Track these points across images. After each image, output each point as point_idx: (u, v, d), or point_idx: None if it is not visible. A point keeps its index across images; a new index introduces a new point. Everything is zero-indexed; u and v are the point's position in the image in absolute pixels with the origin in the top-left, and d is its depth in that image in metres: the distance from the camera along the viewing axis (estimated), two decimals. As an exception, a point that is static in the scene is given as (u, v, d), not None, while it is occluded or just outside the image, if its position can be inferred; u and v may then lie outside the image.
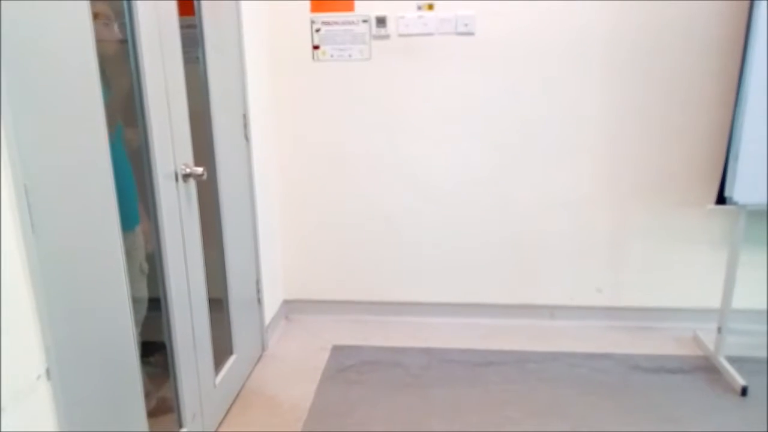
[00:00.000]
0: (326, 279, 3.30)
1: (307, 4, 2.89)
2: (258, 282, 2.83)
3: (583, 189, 3.04)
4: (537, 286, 3.20)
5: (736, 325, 2.88)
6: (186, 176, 1.98)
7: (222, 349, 2.46)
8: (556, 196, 3.06)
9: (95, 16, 1.91)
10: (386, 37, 2.89)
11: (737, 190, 2.50)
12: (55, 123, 1.32)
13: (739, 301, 2.93)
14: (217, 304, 2.47)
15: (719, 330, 2.73)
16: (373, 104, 3.00)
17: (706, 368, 2.73)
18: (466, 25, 2.82)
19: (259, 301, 2.85)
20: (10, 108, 1.16)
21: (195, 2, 2.24)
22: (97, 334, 1.49)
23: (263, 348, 2.91)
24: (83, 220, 1.43)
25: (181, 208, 1.98)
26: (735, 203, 2.53)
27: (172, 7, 1.94)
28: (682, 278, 3.09)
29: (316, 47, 2.93)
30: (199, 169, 1.99)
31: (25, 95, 1.22)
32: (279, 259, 3.25)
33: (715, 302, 2.93)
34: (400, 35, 2.88)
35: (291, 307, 3.34)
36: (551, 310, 3.22)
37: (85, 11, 1.43)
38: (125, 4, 1.71)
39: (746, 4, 2.67)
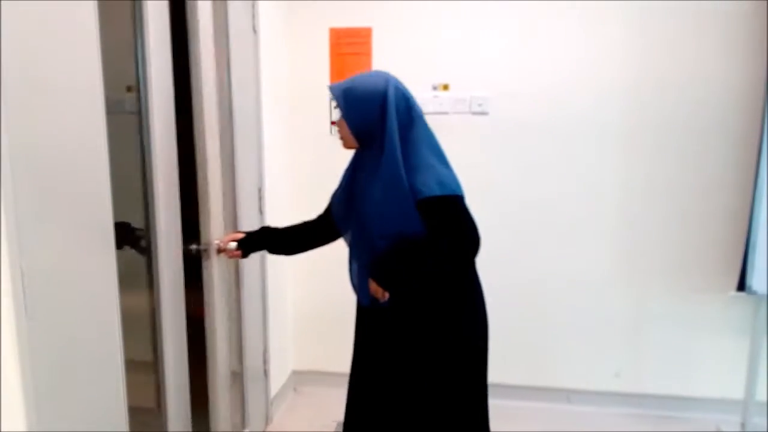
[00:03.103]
0: (338, 350, 3.23)
1: (326, 80, 2.98)
2: (265, 353, 2.81)
3: (601, 269, 2.98)
4: (553, 368, 3.10)
5: (760, 420, 2.72)
6: (192, 251, 2.02)
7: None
8: (573, 276, 3.00)
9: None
10: (402, 114, 2.94)
11: (755, 279, 2.43)
12: (56, 201, 1.36)
13: (763, 394, 2.78)
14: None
15: (743, 426, 2.59)
16: (388, 178, 3.02)
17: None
18: (480, 105, 2.87)
19: (266, 372, 2.82)
20: (12, 190, 1.20)
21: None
22: (87, 421, 1.48)
23: (267, 422, 2.85)
24: (81, 305, 1.43)
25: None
26: (754, 292, 2.45)
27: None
28: (704, 366, 2.97)
29: (333, 122, 3.00)
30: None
31: (30, 192, 1.26)
32: (290, 328, 3.23)
33: (739, 393, 2.79)
34: (416, 113, 2.93)
35: (300, 379, 3.29)
36: (567, 394, 3.11)
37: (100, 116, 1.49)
38: (140, 75, 1.77)
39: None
